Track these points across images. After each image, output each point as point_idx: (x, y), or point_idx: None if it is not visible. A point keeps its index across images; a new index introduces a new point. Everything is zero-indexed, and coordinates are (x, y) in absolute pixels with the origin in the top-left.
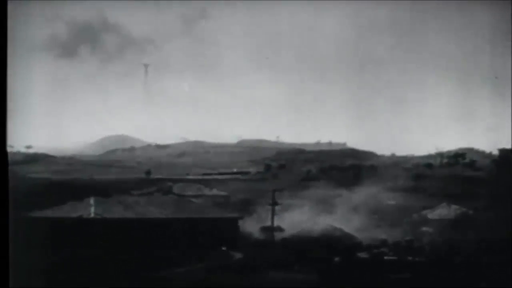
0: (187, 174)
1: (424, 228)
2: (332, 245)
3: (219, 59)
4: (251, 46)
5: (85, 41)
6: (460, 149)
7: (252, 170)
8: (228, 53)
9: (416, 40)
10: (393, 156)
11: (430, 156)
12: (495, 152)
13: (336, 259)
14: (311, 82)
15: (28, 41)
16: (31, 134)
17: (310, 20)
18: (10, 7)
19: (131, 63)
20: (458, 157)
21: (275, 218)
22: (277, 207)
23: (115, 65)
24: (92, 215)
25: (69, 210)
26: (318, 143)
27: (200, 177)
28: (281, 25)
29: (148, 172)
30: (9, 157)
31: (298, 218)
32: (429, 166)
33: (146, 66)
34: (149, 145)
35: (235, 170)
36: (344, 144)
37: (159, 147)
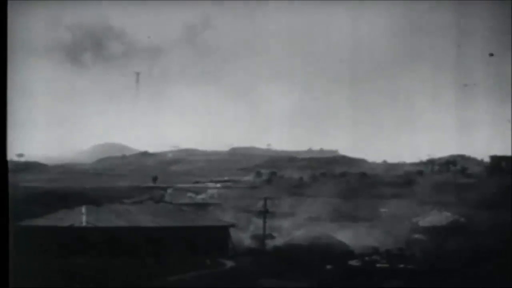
0: (178, 183)
1: (416, 236)
2: (324, 253)
3: (212, 67)
4: (245, 55)
5: (82, 48)
6: (451, 156)
7: (244, 178)
8: (221, 62)
9: (413, 44)
10: (384, 163)
11: (421, 163)
12: (487, 159)
13: (328, 267)
14: (303, 90)
15: (25, 47)
16: (22, 142)
17: (304, 28)
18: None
19: (123, 70)
20: (449, 164)
21: (267, 226)
22: (268, 215)
23: (108, 73)
24: (84, 223)
25: (61, 219)
26: (309, 151)
27: (191, 185)
28: (274, 30)
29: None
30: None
31: (289, 225)
32: (420, 173)
33: (137, 74)
34: (140, 153)
35: (226, 178)
36: (336, 151)
37: (150, 155)
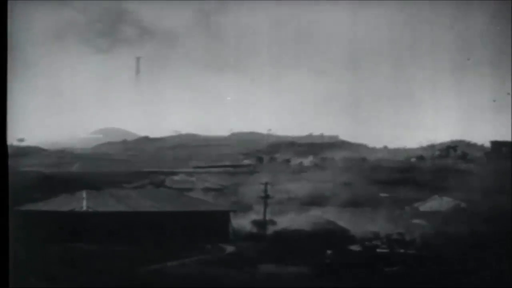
0: (179, 167)
1: (416, 221)
2: (324, 238)
3: (215, 53)
4: (250, 42)
5: (87, 32)
6: (452, 141)
7: (244, 162)
8: (226, 48)
9: (413, 36)
10: (385, 148)
11: (422, 149)
12: (487, 144)
13: (329, 252)
14: (303, 75)
15: (27, 30)
16: (23, 127)
17: (306, 16)
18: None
19: (126, 56)
20: (450, 149)
21: (267, 211)
22: (269, 200)
23: (110, 58)
24: (85, 208)
25: (62, 204)
26: (310, 136)
27: (192, 170)
28: (274, 21)
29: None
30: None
31: (290, 210)
32: (421, 158)
33: (138, 59)
34: (141, 138)
35: (227, 163)
36: (336, 136)
37: (151, 140)
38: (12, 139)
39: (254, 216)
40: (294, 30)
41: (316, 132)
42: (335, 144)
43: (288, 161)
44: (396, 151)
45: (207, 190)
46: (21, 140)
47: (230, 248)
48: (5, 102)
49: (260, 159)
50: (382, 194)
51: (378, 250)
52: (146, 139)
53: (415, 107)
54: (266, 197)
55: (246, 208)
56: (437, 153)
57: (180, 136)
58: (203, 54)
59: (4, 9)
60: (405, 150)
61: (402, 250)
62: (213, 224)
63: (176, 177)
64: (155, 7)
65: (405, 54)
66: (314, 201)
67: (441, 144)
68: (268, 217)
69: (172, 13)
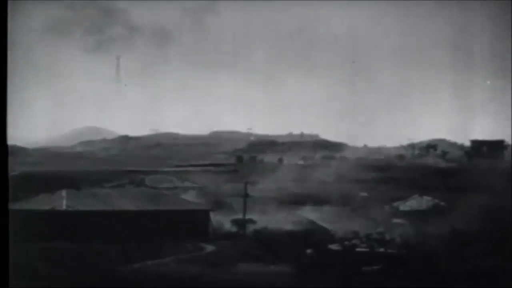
0: (159, 166)
1: (396, 220)
2: (304, 237)
3: (198, 54)
4: (234, 42)
5: (71, 29)
6: (432, 140)
7: (224, 162)
8: (208, 48)
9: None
10: (365, 147)
11: (402, 148)
12: (467, 143)
13: (308, 251)
14: (283, 74)
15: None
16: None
17: (296, 18)
18: None
19: (107, 54)
20: (430, 148)
21: (247, 210)
22: (249, 199)
23: (95, 56)
24: (64, 207)
25: (42, 202)
26: (290, 135)
27: (172, 169)
28: (254, 20)
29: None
30: None
31: (270, 210)
32: (401, 157)
33: (118, 58)
34: (121, 137)
35: (207, 162)
36: (317, 135)
37: (131, 138)
38: None
39: (234, 215)
40: (281, 31)
41: (296, 131)
42: (316, 143)
43: (268, 159)
44: (377, 150)
45: (187, 189)
46: None
47: (210, 247)
48: (5, 102)
49: (240, 158)
50: (362, 193)
51: (357, 249)
52: (125, 137)
53: (395, 106)
54: (246, 196)
55: (226, 207)
56: (417, 152)
57: (160, 135)
58: (186, 54)
59: (4, 9)
60: (385, 149)
61: (382, 249)
62: (193, 223)
63: (156, 176)
64: (144, 6)
65: (391, 55)
66: (294, 200)
67: (421, 142)
68: (248, 216)
69: (160, 12)
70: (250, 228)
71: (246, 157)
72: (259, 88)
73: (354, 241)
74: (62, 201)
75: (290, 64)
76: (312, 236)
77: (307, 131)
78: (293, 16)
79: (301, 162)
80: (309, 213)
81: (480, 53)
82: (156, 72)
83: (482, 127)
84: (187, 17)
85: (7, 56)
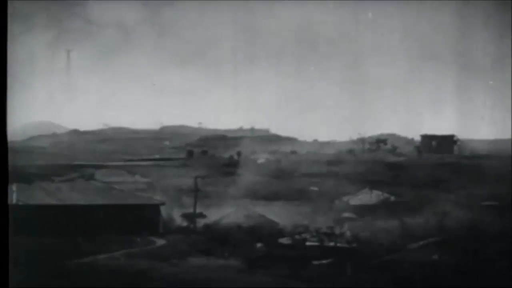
0: (109, 161)
1: (346, 214)
2: (254, 231)
3: (153, 48)
4: (188, 36)
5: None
6: (382, 134)
7: (174, 156)
8: (165, 42)
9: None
10: (315, 142)
11: (352, 142)
12: (417, 138)
13: (259, 245)
14: (233, 66)
15: None
16: None
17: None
18: None
19: (59, 48)
20: (379, 142)
21: (197, 204)
22: (199, 194)
23: (42, 50)
24: (14, 201)
25: None
26: (240, 129)
27: (122, 163)
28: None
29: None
30: None
31: (220, 204)
32: (351, 152)
33: (68, 52)
34: (71, 131)
35: (157, 156)
36: (267, 130)
37: (80, 133)
38: None
39: (184, 209)
40: (237, 26)
41: (247, 125)
42: (266, 137)
43: (218, 154)
44: (327, 144)
45: (137, 183)
46: None
47: (160, 241)
48: (5, 102)
49: (190, 153)
50: (312, 188)
51: (308, 243)
52: (75, 132)
53: (346, 101)
54: (196, 191)
55: (176, 202)
56: (367, 146)
57: (110, 130)
58: (142, 48)
59: (4, 8)
60: (335, 144)
61: (332, 243)
62: (143, 217)
63: (105, 171)
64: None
65: (346, 50)
66: (244, 194)
67: (370, 137)
68: (198, 210)
69: (116, 6)
70: (201, 222)
71: (197, 152)
72: (211, 83)
73: (304, 235)
74: (13, 195)
75: (241, 59)
76: (262, 230)
77: (258, 126)
78: (247, 12)
79: (252, 156)
80: (259, 208)
81: (419, 44)
82: (108, 67)
83: (433, 122)
84: (145, 11)
85: (7, 56)
